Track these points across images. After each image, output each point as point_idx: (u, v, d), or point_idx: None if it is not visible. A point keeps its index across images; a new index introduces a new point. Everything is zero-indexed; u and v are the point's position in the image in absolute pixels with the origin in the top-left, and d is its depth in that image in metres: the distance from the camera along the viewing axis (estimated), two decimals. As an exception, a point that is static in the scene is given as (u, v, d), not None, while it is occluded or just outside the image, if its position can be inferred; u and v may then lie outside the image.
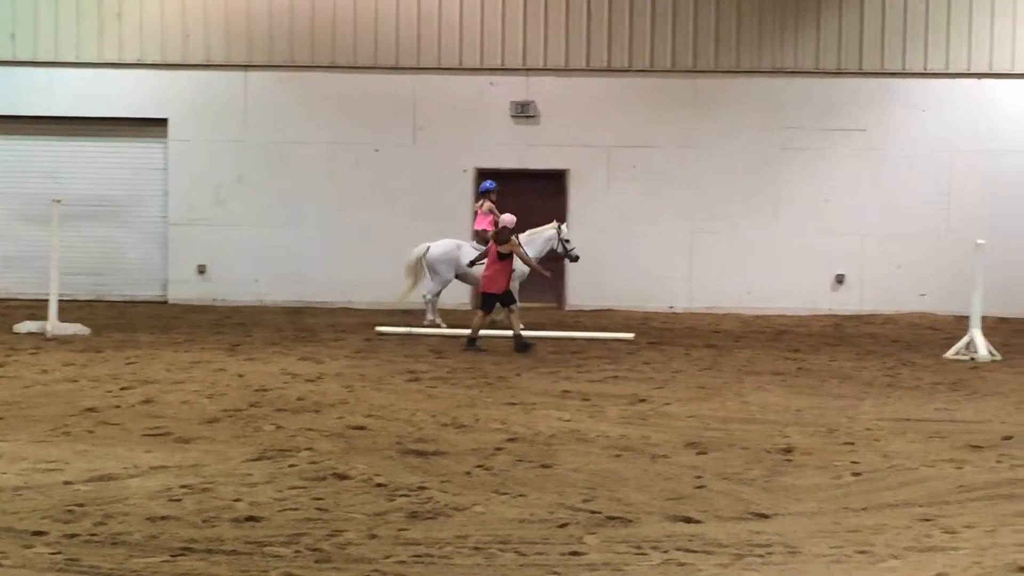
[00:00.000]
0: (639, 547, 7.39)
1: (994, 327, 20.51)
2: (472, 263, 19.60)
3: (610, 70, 24.46)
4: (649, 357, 17.18)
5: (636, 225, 24.25)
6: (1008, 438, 11.27)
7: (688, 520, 8.03)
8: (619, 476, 9.35)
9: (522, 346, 17.45)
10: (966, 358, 17.43)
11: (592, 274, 24.20)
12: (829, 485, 9.23)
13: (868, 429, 11.66)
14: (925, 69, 24.14)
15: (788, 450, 10.50)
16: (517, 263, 18.55)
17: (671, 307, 24.28)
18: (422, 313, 21.01)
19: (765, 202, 24.39)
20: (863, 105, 24.24)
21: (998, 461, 10.22)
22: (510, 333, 17.92)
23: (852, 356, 17.78)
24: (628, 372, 15.53)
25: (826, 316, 23.67)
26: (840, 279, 24.32)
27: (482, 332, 17.86)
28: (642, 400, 13.17)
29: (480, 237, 20.52)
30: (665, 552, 7.29)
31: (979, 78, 24.09)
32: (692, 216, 24.40)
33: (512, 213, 18.39)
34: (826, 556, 7.27)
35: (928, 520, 8.16)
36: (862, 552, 7.36)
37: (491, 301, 17.76)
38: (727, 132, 24.41)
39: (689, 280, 24.41)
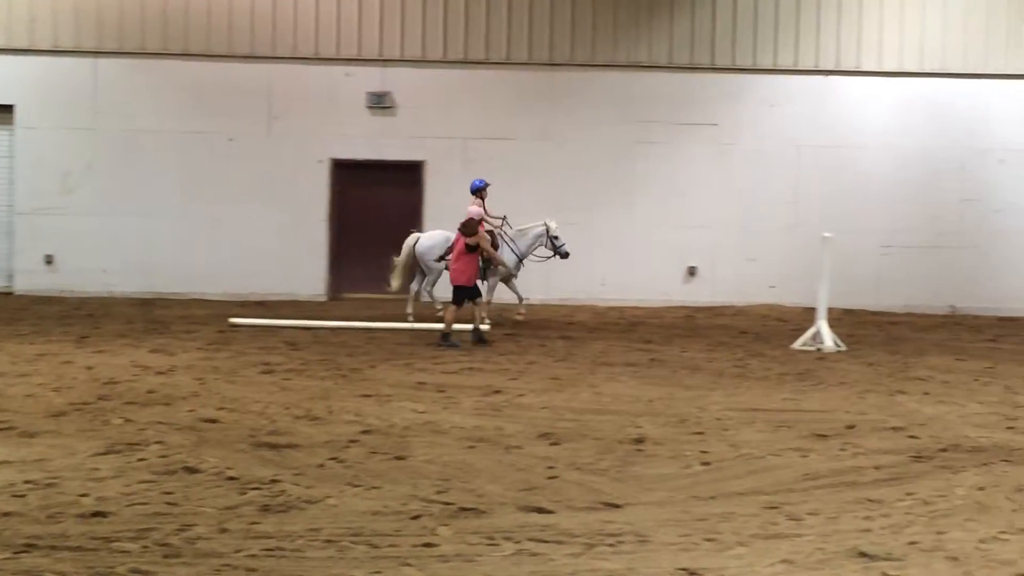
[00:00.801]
0: (491, 538, 7.43)
1: (840, 318, 21.01)
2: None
3: (467, 62, 24.48)
4: (504, 348, 17.26)
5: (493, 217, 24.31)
6: (851, 427, 11.58)
7: (540, 510, 8.10)
8: (473, 467, 9.39)
9: (480, 339, 17.62)
10: (813, 349, 17.84)
11: (448, 266, 24.27)
12: (679, 474, 9.38)
13: (718, 419, 11.88)
14: (775, 66, 24.60)
15: (640, 440, 10.64)
16: (508, 256, 19.74)
17: (526, 298, 24.38)
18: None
19: (620, 195, 24.64)
20: (715, 100, 24.62)
21: (841, 449, 10.50)
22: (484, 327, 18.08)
23: (703, 347, 18.07)
24: (483, 363, 15.58)
25: (679, 308, 23.98)
26: (692, 271, 24.67)
27: (459, 326, 17.96)
28: (497, 391, 13.22)
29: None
30: (517, 543, 7.34)
31: (826, 75, 24.63)
32: (548, 208, 24.44)
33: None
34: (675, 544, 7.40)
35: (774, 508, 8.35)
36: (710, 540, 7.50)
37: (461, 294, 17.71)
38: (583, 125, 24.61)
39: (544, 272, 24.53)
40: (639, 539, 7.48)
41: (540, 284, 24.44)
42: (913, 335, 20.45)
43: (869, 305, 24.25)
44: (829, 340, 17.94)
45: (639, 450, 10.25)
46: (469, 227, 17.66)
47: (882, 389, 14.20)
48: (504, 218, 20.49)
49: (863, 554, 7.27)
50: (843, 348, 17.86)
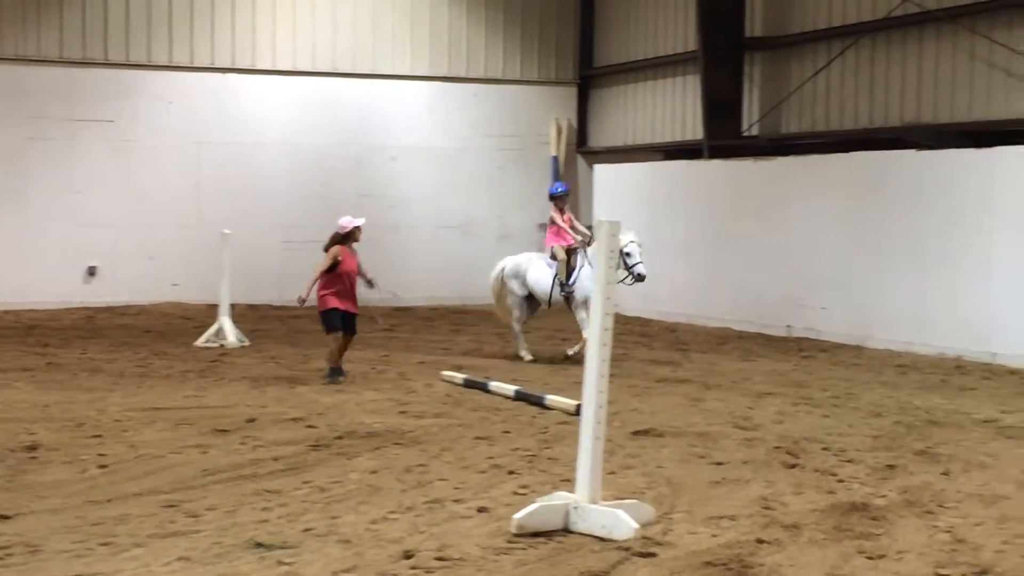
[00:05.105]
0: None
1: (244, 314, 21.20)
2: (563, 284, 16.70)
3: None
4: None
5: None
6: (252, 420, 11.77)
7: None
8: None
9: (332, 371, 14.73)
10: (216, 345, 17.92)
11: None
12: (75, 479, 9.17)
13: (117, 420, 11.71)
14: (171, 62, 24.41)
15: (33, 447, 10.29)
16: (586, 280, 16.11)
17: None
18: None
19: (13, 193, 23.50)
20: (111, 96, 24.05)
21: (241, 443, 10.65)
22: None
23: (105, 348, 17.70)
24: None
25: (79, 309, 23.17)
26: (92, 271, 23.99)
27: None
28: None
29: (551, 255, 17.03)
30: None
31: (223, 72, 24.74)
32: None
33: None
34: (68, 552, 7.22)
35: (173, 506, 8.35)
36: (105, 544, 7.38)
37: (326, 320, 14.85)
38: (-31, 120, 23.32)
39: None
40: (30, 549, 7.22)
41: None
42: (313, 328, 20.71)
43: (273, 300, 24.56)
44: (232, 336, 18.09)
45: (32, 457, 9.91)
46: (331, 241, 14.89)
47: (283, 381, 14.53)
48: (591, 229, 16.88)
49: (259, 544, 7.41)
50: (246, 343, 18.07)
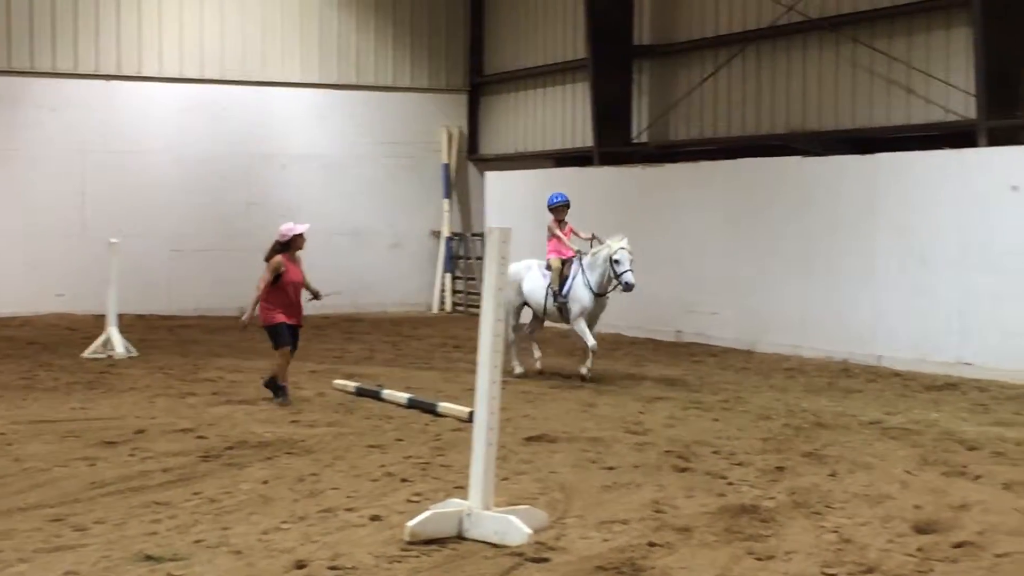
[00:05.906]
0: None
1: (132, 324, 20.89)
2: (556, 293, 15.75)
3: None
4: None
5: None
6: (141, 432, 11.62)
7: None
8: None
9: (276, 389, 13.61)
10: (104, 356, 17.63)
11: None
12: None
13: (2, 434, 11.52)
14: (54, 69, 23.99)
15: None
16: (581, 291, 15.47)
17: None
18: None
19: None
20: (-7, 104, 23.64)
21: (131, 455, 10.51)
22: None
23: (-11, 360, 17.35)
24: None
25: (-42, 322, 22.73)
26: (-26, 282, 23.50)
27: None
28: None
29: (547, 266, 15.99)
30: None
31: (108, 80, 24.37)
32: None
33: None
34: (-51, 570, 7.07)
35: (59, 520, 8.21)
36: (-11, 559, 7.24)
37: (271, 335, 13.65)
38: None
39: None
40: (-88, 568, 7.07)
41: None
42: (204, 337, 20.78)
43: (161, 309, 24.25)
44: (120, 346, 17.83)
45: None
46: (271, 250, 13.65)
47: (172, 392, 14.37)
48: (593, 237, 15.99)
49: (149, 557, 7.31)
50: (135, 354, 17.82)
